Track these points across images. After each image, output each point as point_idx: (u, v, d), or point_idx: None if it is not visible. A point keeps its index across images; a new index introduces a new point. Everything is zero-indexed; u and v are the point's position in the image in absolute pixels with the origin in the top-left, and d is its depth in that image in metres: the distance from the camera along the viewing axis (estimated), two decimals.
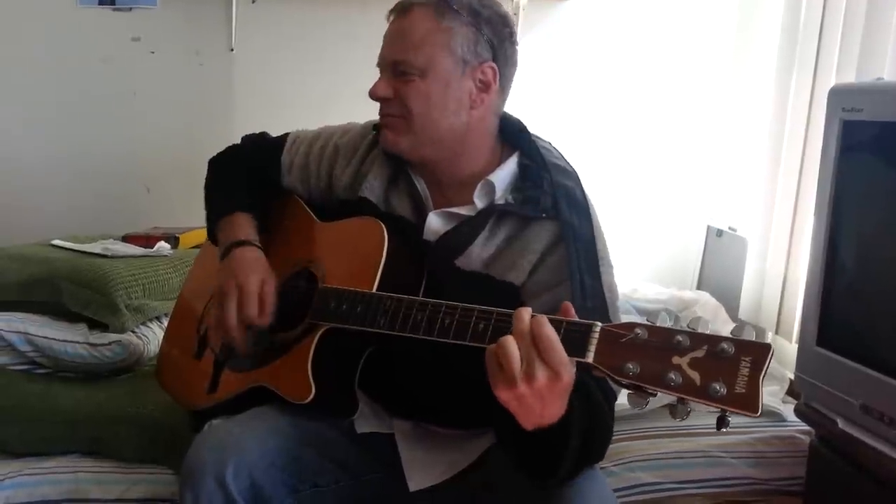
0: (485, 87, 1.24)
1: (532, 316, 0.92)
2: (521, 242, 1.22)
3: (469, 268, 1.23)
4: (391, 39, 1.24)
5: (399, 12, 1.24)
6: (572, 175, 1.27)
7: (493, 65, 1.24)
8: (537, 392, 0.89)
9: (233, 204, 1.40)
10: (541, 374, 0.89)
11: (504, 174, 1.26)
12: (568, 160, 1.30)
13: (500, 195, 1.25)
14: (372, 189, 1.32)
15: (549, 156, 1.27)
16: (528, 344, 0.90)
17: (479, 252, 1.23)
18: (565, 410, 0.94)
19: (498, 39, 1.24)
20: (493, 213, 1.24)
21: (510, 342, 0.90)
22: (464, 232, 1.24)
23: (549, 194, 1.22)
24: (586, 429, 1.01)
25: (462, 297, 1.06)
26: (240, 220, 1.38)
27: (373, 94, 1.24)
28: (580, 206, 1.23)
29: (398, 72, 1.22)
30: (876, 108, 1.36)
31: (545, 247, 1.21)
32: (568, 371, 0.90)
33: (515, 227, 1.24)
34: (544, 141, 1.32)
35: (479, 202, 1.24)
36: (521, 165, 1.27)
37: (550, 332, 0.90)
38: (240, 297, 1.25)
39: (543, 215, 1.21)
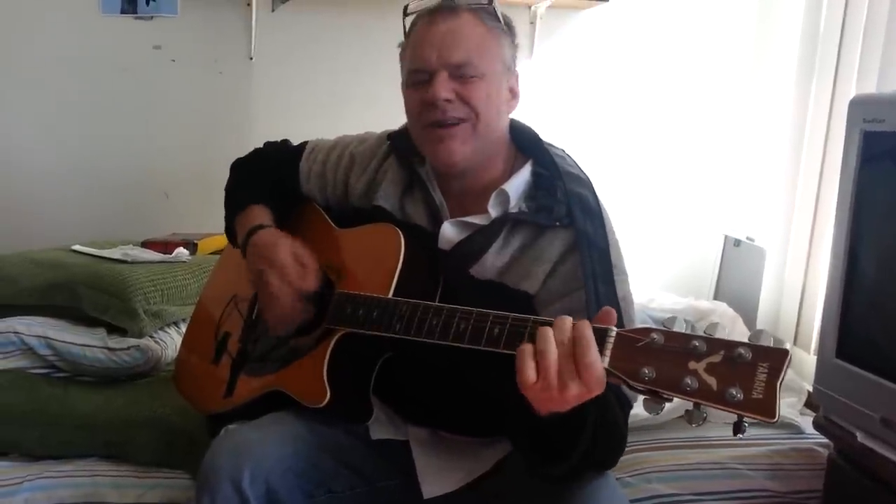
0: (513, 95, 1.27)
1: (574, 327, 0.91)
2: (535, 251, 1.22)
3: (483, 276, 1.23)
4: (445, 40, 1.20)
5: (444, 14, 1.21)
6: (586, 183, 1.27)
7: (518, 74, 1.27)
8: (565, 400, 0.90)
9: (249, 199, 1.41)
10: (574, 387, 0.89)
11: (518, 183, 1.25)
12: (582, 168, 1.30)
13: (514, 204, 1.24)
14: (387, 197, 1.33)
15: (563, 164, 1.27)
16: (568, 353, 0.90)
17: (493, 261, 1.23)
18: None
19: (517, 51, 1.28)
20: (507, 221, 1.23)
21: (552, 354, 0.90)
22: (478, 241, 1.23)
23: (563, 203, 1.22)
24: (595, 422, 1.00)
25: (477, 305, 1.05)
26: (255, 212, 1.38)
27: (435, 97, 1.18)
28: (594, 214, 1.22)
29: (458, 73, 1.19)
30: None
31: (558, 255, 1.20)
32: (601, 387, 0.90)
33: (529, 235, 1.23)
34: (558, 149, 1.31)
35: (494, 211, 1.24)
36: (534, 174, 1.27)
37: (594, 353, 0.89)
38: (277, 270, 1.25)
39: (557, 224, 1.21)
